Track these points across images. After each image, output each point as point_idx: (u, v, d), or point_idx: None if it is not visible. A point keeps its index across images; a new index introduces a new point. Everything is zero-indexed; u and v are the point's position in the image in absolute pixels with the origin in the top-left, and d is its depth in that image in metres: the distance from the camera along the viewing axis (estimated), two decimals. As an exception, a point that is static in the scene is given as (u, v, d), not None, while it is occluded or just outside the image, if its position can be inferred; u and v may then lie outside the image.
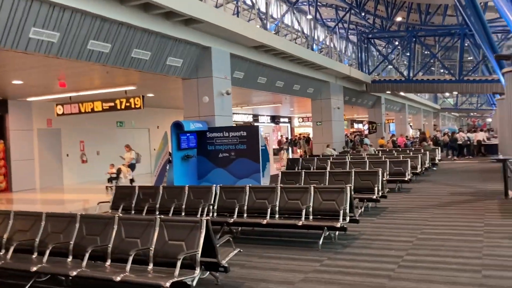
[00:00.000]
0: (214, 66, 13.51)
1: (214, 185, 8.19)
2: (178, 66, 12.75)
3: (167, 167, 13.35)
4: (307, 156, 19.57)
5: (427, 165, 16.38)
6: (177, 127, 12.58)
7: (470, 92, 30.06)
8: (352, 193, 7.15)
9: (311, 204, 7.19)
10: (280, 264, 6.06)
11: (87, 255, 5.03)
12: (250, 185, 7.92)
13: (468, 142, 25.08)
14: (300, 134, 38.45)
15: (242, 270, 5.88)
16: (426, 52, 42.88)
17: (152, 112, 23.38)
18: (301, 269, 5.75)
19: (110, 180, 15.51)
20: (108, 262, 5.15)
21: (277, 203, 7.46)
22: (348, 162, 13.08)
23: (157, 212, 8.13)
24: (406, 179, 12.29)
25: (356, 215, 7.22)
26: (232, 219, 7.37)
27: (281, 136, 38.74)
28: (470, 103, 67.71)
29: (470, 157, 24.79)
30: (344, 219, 6.82)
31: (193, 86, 13.67)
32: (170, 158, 13.31)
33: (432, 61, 35.40)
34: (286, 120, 40.68)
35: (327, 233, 6.95)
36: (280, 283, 5.29)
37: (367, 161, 12.86)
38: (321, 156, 17.90)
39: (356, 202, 7.52)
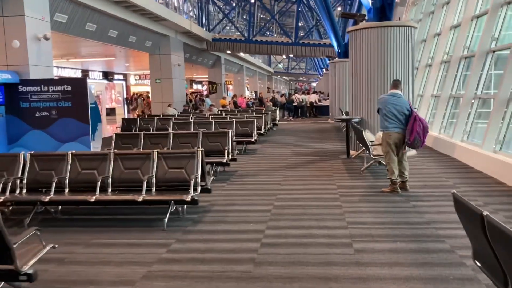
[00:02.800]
0: (27, 2, 10.80)
1: (22, 152, 6.21)
2: (-28, -3, 9.77)
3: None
4: (146, 116, 17.86)
5: (269, 125, 16.22)
6: (-25, 77, 9.76)
7: (305, 56, 31.38)
8: (204, 158, 5.99)
9: (154, 173, 5.83)
10: (114, 254, 4.64)
11: None
12: (73, 151, 6.16)
13: (303, 104, 26.19)
14: (137, 93, 35.86)
15: (60, 268, 4.31)
16: (262, 16, 43.70)
17: None
18: (142, 260, 4.43)
19: None
20: None
21: (110, 174, 5.92)
22: (192, 122, 11.91)
23: None
24: (253, 139, 11.69)
25: (208, 183, 6.12)
26: (48, 197, 5.59)
27: (133, 93, 35.60)
28: (299, 68, 72.57)
29: (304, 117, 25.99)
30: (195, 190, 5.66)
31: (-3, 25, 10.78)
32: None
33: (268, 24, 36.01)
34: (121, 77, 37.49)
35: (174, 207, 5.72)
36: (114, 284, 3.91)
37: (213, 122, 11.88)
38: (161, 116, 16.41)
39: (208, 168, 6.39)
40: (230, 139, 8.64)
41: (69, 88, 11.16)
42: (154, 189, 5.78)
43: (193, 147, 8.50)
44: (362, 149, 9.84)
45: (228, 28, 41.01)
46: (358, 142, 9.85)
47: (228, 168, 8.97)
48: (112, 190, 5.86)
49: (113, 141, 8.86)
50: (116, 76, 36.39)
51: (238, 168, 9.39)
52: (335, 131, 17.46)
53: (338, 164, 9.75)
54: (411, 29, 10.43)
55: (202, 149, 6.01)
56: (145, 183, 5.63)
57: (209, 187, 6.09)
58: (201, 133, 8.64)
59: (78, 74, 30.76)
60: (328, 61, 29.57)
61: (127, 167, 5.98)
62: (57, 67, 27.79)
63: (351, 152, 10.74)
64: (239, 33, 30.20)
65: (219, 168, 8.82)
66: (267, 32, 38.88)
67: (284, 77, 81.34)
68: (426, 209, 5.91)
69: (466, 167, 8.97)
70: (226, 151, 8.41)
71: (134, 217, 6.08)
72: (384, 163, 8.35)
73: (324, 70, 42.29)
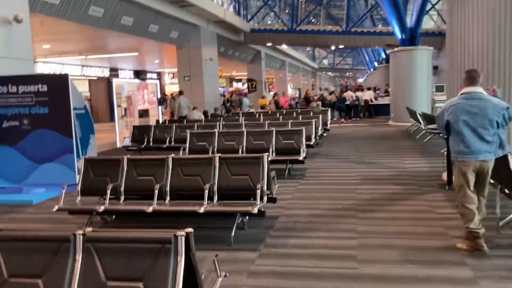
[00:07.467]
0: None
1: None
2: None
3: None
4: (167, 122, 14.71)
5: (320, 133, 12.54)
6: None
7: (358, 46, 27.33)
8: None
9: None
10: None
11: None
12: None
13: (356, 102, 22.29)
14: (171, 93, 32.96)
15: None
16: (305, 7, 39.95)
17: None
18: None
19: None
20: None
21: None
22: (216, 134, 8.49)
23: None
24: (300, 158, 8.13)
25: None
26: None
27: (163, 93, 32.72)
28: (345, 63, 68.01)
29: (358, 118, 22.10)
30: None
31: None
32: None
33: (315, 10, 32.16)
34: (155, 76, 34.81)
35: None
36: None
37: (245, 131, 8.42)
38: (185, 122, 13.19)
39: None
40: (267, 169, 5.13)
41: (45, 88, 8.19)
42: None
43: (204, 182, 5.09)
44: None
45: (269, 22, 37.59)
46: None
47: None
48: None
49: (82, 172, 5.57)
50: (149, 75, 33.75)
51: (278, 211, 5.88)
52: (405, 138, 13.60)
53: (442, 203, 6.01)
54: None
55: (190, 230, 2.49)
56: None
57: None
58: (217, 160, 5.17)
59: (106, 74, 28.21)
60: (384, 52, 25.50)
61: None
62: (82, 65, 25.28)
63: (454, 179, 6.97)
64: (281, 22, 26.66)
65: (247, 218, 5.33)
66: (312, 21, 35.08)
67: (329, 73, 76.86)
68: None
69: None
70: (259, 191, 4.91)
71: None
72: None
73: (376, 63, 38.04)
